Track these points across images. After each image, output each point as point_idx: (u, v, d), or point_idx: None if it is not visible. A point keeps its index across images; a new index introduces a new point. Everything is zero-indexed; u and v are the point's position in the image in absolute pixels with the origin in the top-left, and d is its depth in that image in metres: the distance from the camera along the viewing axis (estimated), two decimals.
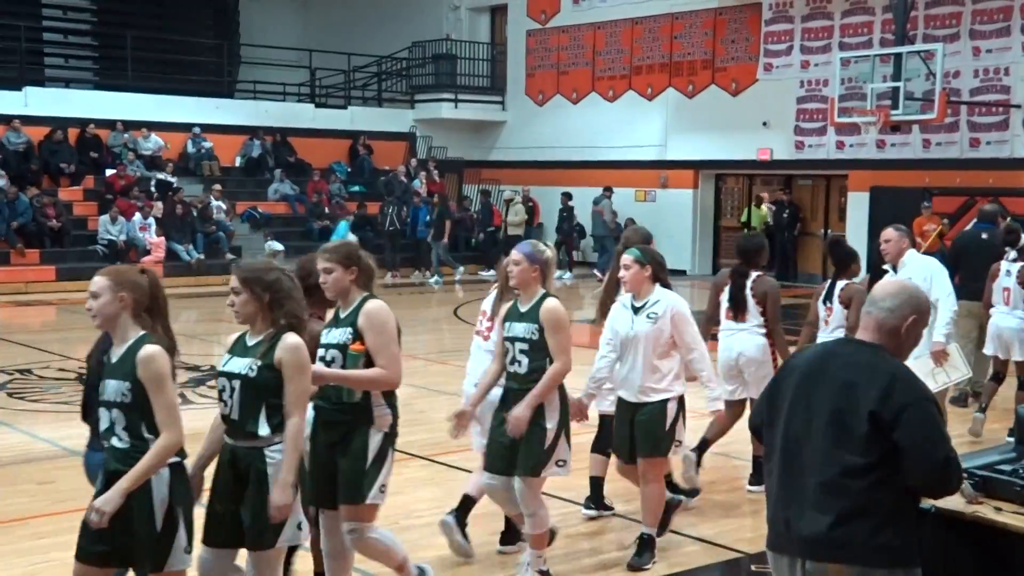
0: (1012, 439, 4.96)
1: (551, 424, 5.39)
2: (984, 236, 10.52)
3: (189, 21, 28.70)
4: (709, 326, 7.36)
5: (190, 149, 23.87)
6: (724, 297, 7.34)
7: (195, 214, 21.37)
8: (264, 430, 4.24)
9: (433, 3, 28.67)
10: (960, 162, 19.62)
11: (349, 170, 25.86)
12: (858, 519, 3.31)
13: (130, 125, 23.15)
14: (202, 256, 20.97)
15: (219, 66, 27.66)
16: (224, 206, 22.09)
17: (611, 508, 6.89)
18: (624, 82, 25.34)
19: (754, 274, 7.26)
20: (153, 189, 21.77)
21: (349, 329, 4.81)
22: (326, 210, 23.61)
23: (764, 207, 22.78)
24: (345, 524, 4.89)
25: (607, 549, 6.32)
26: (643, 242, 6.54)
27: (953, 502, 3.98)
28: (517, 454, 5.40)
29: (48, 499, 7.00)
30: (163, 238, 20.83)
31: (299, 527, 4.34)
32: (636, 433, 5.85)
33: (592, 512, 6.83)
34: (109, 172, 22.07)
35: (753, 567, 6.05)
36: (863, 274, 8.73)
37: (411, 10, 28.56)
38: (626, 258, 5.82)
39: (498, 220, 24.99)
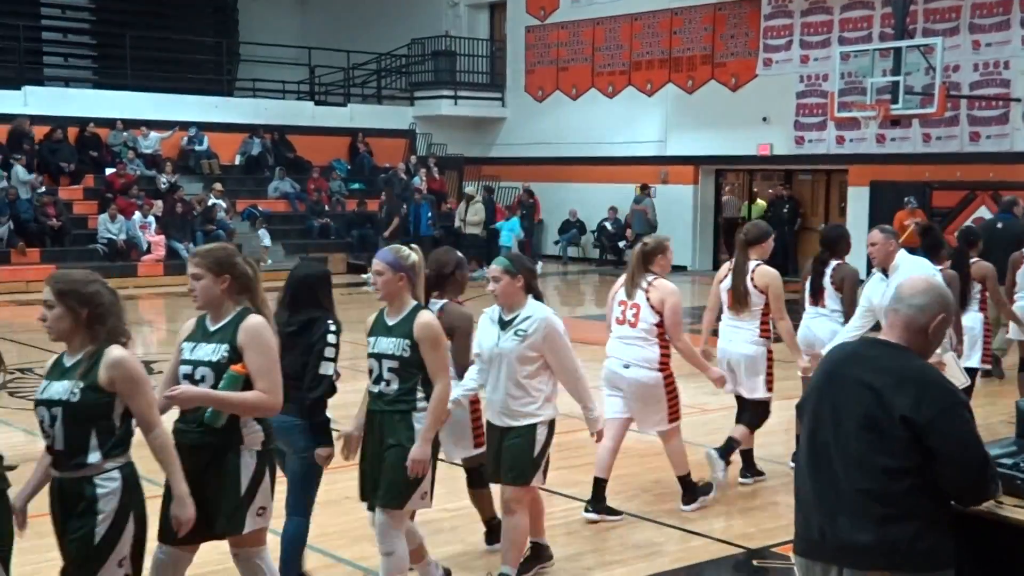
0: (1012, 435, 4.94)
1: (418, 446, 4.88)
2: (1000, 225, 10.63)
3: (188, 20, 28.69)
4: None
5: (185, 146, 23.87)
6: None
7: (196, 213, 21.37)
8: (94, 457, 3.89)
9: (432, 0, 28.64)
10: (960, 156, 19.61)
11: (349, 167, 25.86)
12: (899, 525, 3.26)
13: (129, 124, 23.16)
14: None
15: (218, 64, 27.65)
16: (224, 204, 22.09)
17: (619, 513, 6.71)
18: (624, 78, 25.31)
19: (834, 262, 7.66)
20: (163, 184, 21.76)
21: (225, 346, 4.31)
22: (326, 208, 23.62)
23: (758, 201, 22.82)
24: (231, 547, 4.54)
25: (611, 547, 6.32)
26: (762, 236, 7.14)
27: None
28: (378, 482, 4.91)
29: (49, 498, 6.98)
30: (163, 236, 20.84)
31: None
32: (502, 459, 5.34)
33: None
34: (109, 171, 22.08)
35: (755, 562, 6.05)
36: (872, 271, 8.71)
37: (410, 7, 28.54)
38: (494, 268, 5.25)
39: (500, 217, 24.97)
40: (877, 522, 3.28)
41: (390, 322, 4.95)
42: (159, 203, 21.17)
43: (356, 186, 25.11)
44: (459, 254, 5.90)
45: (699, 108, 23.71)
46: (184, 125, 23.76)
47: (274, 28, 29.57)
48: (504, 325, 5.29)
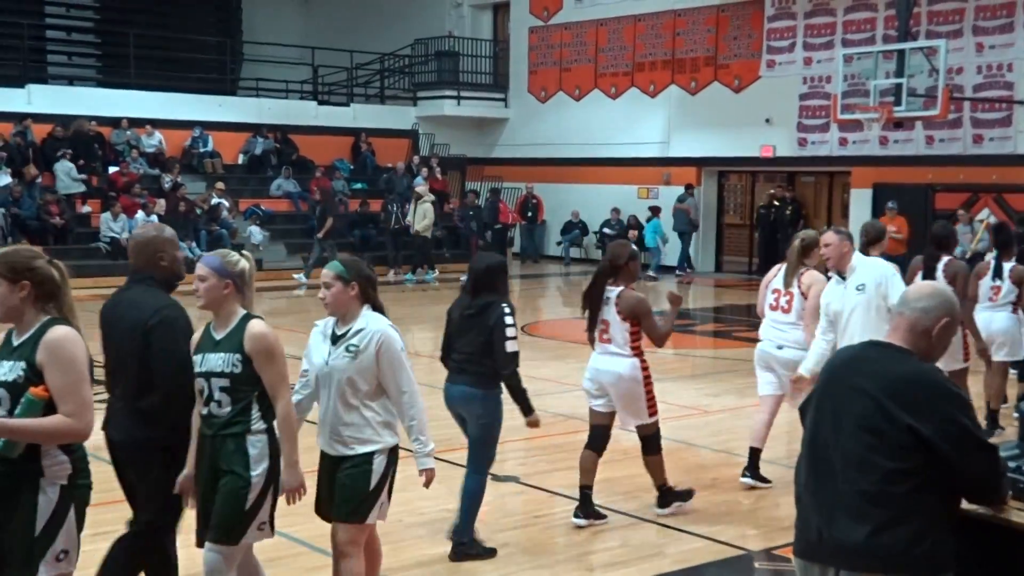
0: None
1: (257, 474, 4.36)
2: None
3: (192, 19, 28.72)
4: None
5: (189, 146, 23.90)
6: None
7: (200, 212, 21.38)
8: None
9: (435, 0, 28.67)
10: (963, 158, 19.61)
11: (352, 167, 25.88)
12: (897, 527, 3.26)
13: (133, 122, 23.18)
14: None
15: (222, 63, 27.68)
16: (226, 203, 22.11)
17: (603, 516, 6.68)
18: (627, 79, 25.33)
19: (945, 258, 8.21)
20: (167, 183, 21.79)
21: (23, 363, 3.72)
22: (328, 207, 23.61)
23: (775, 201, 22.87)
24: None
25: (612, 548, 6.32)
26: (877, 236, 7.40)
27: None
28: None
29: None
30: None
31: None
32: (335, 492, 4.74)
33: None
34: (112, 169, 22.10)
35: (756, 564, 6.06)
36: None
37: (414, 7, 28.57)
38: (325, 273, 4.69)
39: (504, 217, 25.00)
40: (874, 524, 3.28)
41: (217, 336, 4.41)
42: (162, 202, 21.18)
43: (359, 186, 25.13)
44: (633, 246, 6.82)
45: (702, 109, 23.72)
46: (189, 124, 23.77)
47: (278, 28, 29.61)
48: (336, 340, 4.69)
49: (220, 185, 22.37)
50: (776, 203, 22.57)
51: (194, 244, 21.03)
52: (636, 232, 24.35)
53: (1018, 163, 18.83)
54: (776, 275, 7.47)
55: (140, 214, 20.83)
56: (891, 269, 6.80)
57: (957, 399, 3.32)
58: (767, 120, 22.42)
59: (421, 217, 21.46)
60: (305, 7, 31.93)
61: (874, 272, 6.70)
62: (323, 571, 5.86)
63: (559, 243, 25.92)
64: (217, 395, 4.37)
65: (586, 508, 6.58)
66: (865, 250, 7.38)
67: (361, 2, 29.80)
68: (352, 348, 4.64)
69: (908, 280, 8.16)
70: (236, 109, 25.09)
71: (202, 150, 23.98)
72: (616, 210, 24.66)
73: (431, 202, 21.71)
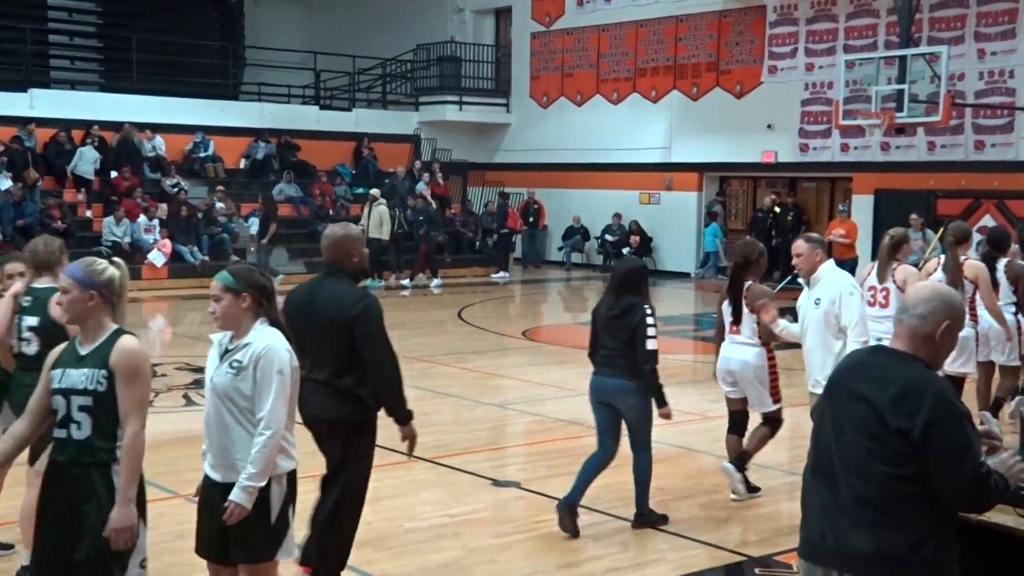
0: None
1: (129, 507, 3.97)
2: None
3: (194, 23, 28.76)
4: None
5: (191, 150, 23.91)
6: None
7: (200, 217, 21.40)
8: None
9: (437, 5, 28.71)
10: (965, 164, 19.62)
11: (354, 172, 25.90)
12: (898, 533, 3.25)
13: (135, 127, 23.19)
14: (206, 258, 20.99)
15: (224, 68, 27.71)
16: (223, 207, 22.09)
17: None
18: (628, 84, 25.35)
19: (1004, 259, 8.66)
20: (170, 187, 21.84)
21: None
22: (330, 212, 23.63)
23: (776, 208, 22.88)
24: None
25: (612, 554, 6.32)
26: (963, 237, 8.22)
27: None
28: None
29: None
30: (168, 240, 20.86)
31: None
32: (229, 530, 4.24)
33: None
34: (114, 174, 22.12)
35: (757, 570, 6.05)
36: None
37: (415, 12, 28.60)
38: (215, 284, 4.33)
39: (512, 222, 25.03)
40: (876, 529, 3.28)
41: (83, 351, 4.05)
42: (164, 206, 21.20)
43: (361, 191, 25.14)
44: (760, 244, 7.40)
45: (704, 115, 23.73)
46: (191, 129, 23.78)
47: (280, 32, 29.65)
48: (224, 355, 4.33)
49: (221, 189, 22.38)
50: (777, 209, 22.57)
51: (195, 248, 21.06)
52: (638, 238, 24.38)
53: (1020, 169, 18.83)
54: (870, 273, 8.01)
55: (142, 218, 20.86)
56: (848, 287, 6.53)
57: (951, 407, 3.29)
58: (769, 126, 22.43)
59: (377, 222, 20.93)
60: (307, 11, 31.97)
61: (832, 288, 6.50)
62: None
63: (560, 248, 25.92)
64: (76, 415, 3.97)
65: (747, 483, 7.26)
66: (954, 249, 8.29)
67: (363, 7, 29.84)
68: (235, 364, 4.24)
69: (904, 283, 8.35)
70: (238, 114, 25.11)
71: (204, 154, 23.99)
72: (618, 215, 24.67)
73: (386, 205, 21.39)
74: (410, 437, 5.29)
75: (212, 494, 4.31)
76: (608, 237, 24.89)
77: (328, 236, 5.36)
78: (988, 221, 18.36)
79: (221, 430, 4.27)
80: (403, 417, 5.24)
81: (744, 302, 7.07)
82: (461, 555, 6.16)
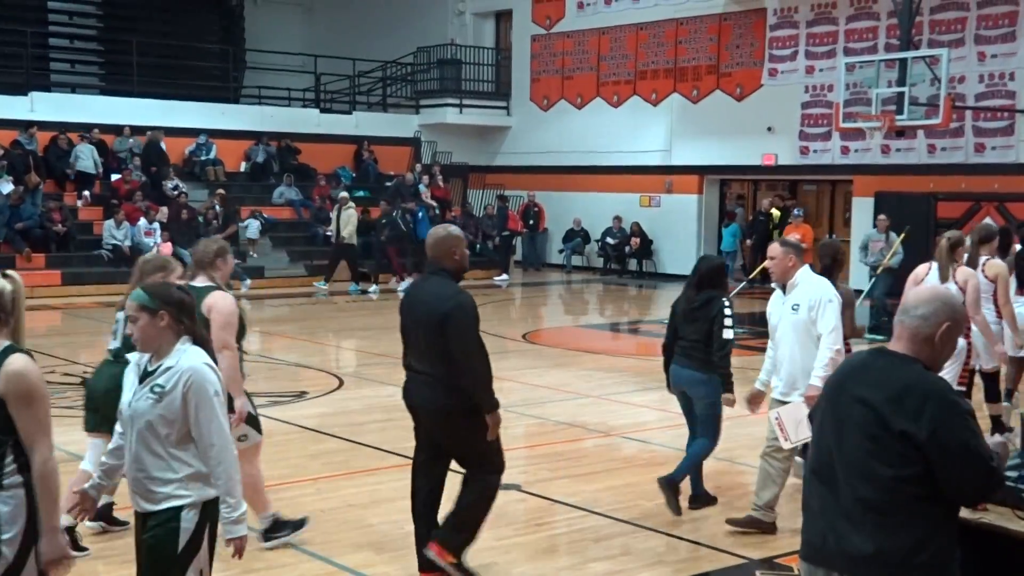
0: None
1: (8, 537, 3.65)
2: None
3: (195, 27, 28.78)
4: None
5: (192, 153, 23.93)
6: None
7: (201, 220, 21.39)
8: None
9: (438, 8, 28.73)
10: (965, 167, 19.62)
11: (354, 175, 25.91)
12: (898, 535, 3.26)
13: (136, 130, 23.21)
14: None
15: (224, 71, 27.72)
16: (221, 210, 22.07)
17: None
18: (629, 87, 25.36)
19: (984, 257, 8.79)
20: (171, 189, 21.87)
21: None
22: (330, 215, 23.63)
23: (774, 210, 22.87)
24: None
25: (614, 556, 6.31)
26: (987, 237, 8.72)
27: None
28: None
29: None
30: (169, 243, 20.85)
31: None
32: (142, 558, 4.05)
33: None
34: (114, 177, 22.14)
35: (758, 573, 6.04)
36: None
37: (416, 15, 28.62)
38: (130, 304, 4.07)
39: (513, 224, 25.03)
40: (876, 531, 3.28)
41: None
42: (164, 209, 21.21)
43: (360, 194, 25.15)
44: (839, 243, 7.87)
45: (704, 118, 23.74)
46: (191, 132, 23.79)
47: (280, 36, 29.66)
48: (144, 378, 4.04)
49: (222, 192, 22.38)
50: (775, 211, 22.55)
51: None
52: (638, 239, 24.38)
53: (1020, 172, 18.83)
54: (929, 273, 8.24)
55: (142, 221, 20.86)
56: (829, 295, 6.40)
57: (955, 406, 3.29)
58: (769, 128, 22.44)
59: (345, 224, 20.55)
60: (308, 15, 31.99)
61: (812, 294, 6.38)
62: None
63: (561, 251, 25.93)
64: None
65: None
66: (976, 250, 8.56)
67: (364, 10, 29.85)
68: (157, 389, 3.94)
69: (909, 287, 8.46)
70: (238, 117, 25.12)
71: (204, 158, 24.00)
72: (618, 218, 24.67)
73: (354, 207, 21.02)
74: (495, 424, 5.51)
75: (137, 523, 4.08)
76: (608, 240, 24.89)
77: (432, 235, 5.66)
78: (989, 224, 18.33)
79: (140, 459, 3.97)
80: (490, 407, 5.47)
81: None
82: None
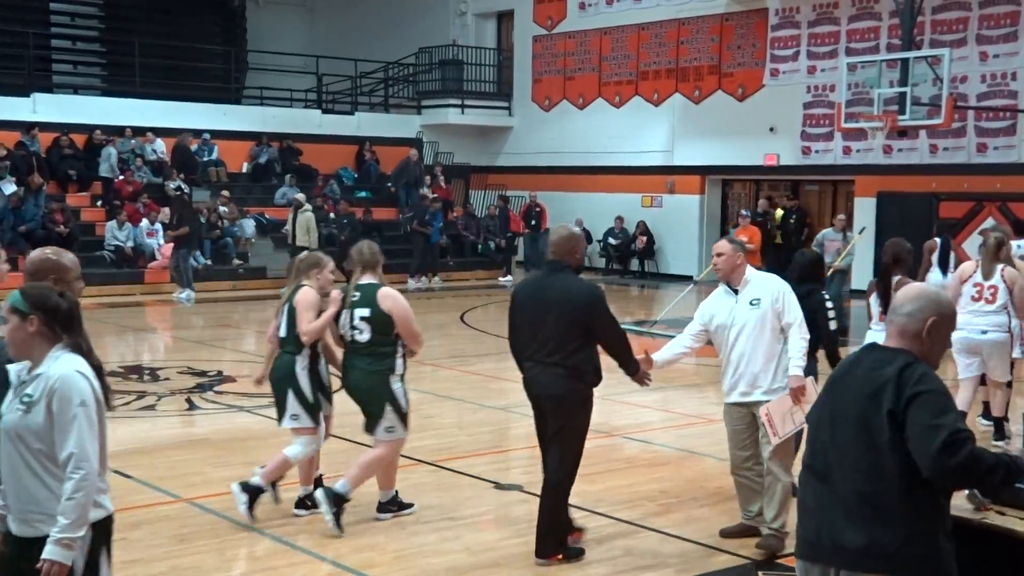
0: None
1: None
2: None
3: (196, 27, 28.80)
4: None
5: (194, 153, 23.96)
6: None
7: (203, 221, 21.40)
8: None
9: (440, 9, 28.73)
10: (967, 167, 19.60)
11: (356, 176, 25.92)
12: (891, 528, 3.28)
13: (138, 131, 23.23)
14: (209, 262, 20.99)
15: (226, 72, 27.73)
16: (225, 210, 22.10)
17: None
18: (631, 87, 25.36)
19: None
20: (173, 188, 21.91)
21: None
22: (331, 216, 23.64)
23: (776, 210, 22.87)
24: None
25: (615, 556, 6.31)
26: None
27: (961, 508, 3.97)
28: None
29: None
30: (172, 244, 20.86)
31: None
32: None
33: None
34: (117, 178, 22.14)
35: (759, 573, 6.04)
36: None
37: (418, 16, 28.62)
38: (4, 306, 3.83)
39: (515, 226, 25.05)
40: (869, 524, 3.30)
41: None
42: (166, 210, 21.20)
43: (362, 194, 25.17)
44: (908, 243, 8.30)
45: (706, 118, 23.74)
46: (194, 133, 23.81)
47: (282, 36, 29.68)
48: (18, 387, 3.77)
49: (225, 193, 22.39)
50: (779, 211, 22.55)
51: (198, 253, 21.05)
52: (644, 238, 24.39)
53: (1022, 172, 18.81)
54: (975, 272, 8.81)
55: (144, 222, 20.87)
56: (786, 286, 6.37)
57: (929, 380, 3.34)
58: (771, 129, 22.42)
59: (304, 229, 19.99)
60: (310, 16, 31.99)
61: (771, 288, 6.29)
62: None
63: None
64: None
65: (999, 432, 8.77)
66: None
67: (365, 11, 29.86)
68: (26, 400, 3.66)
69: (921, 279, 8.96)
70: (240, 118, 25.13)
71: (206, 159, 24.01)
72: (620, 218, 24.67)
73: (311, 210, 20.57)
74: (642, 378, 6.20)
75: (6, 547, 3.74)
76: (611, 240, 24.89)
77: (555, 235, 6.15)
78: (990, 224, 18.33)
79: (12, 475, 3.69)
80: (633, 370, 6.15)
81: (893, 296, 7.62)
82: (463, 558, 6.15)
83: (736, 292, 6.34)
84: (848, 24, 21.39)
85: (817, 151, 21.92)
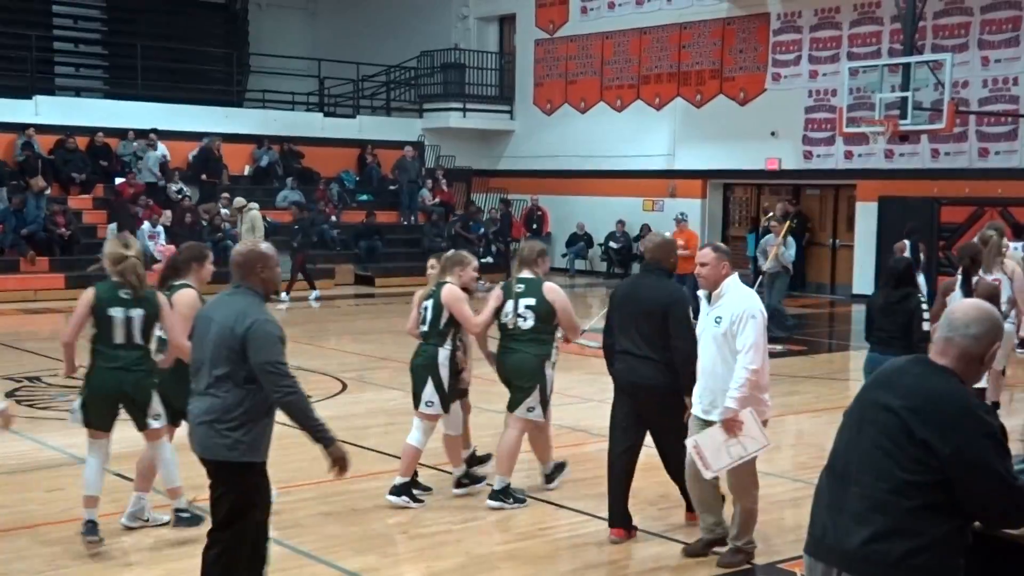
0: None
1: None
2: None
3: (199, 30, 28.82)
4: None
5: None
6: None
7: (205, 224, 21.43)
8: None
9: (442, 13, 28.74)
10: (969, 172, 19.60)
11: (357, 179, 25.93)
12: (896, 538, 3.25)
13: (140, 134, 23.24)
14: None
15: (228, 75, 27.75)
16: (227, 212, 22.10)
17: None
18: (632, 91, 25.36)
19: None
20: (176, 192, 21.95)
21: None
22: (333, 219, 23.67)
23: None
24: None
25: (616, 561, 6.30)
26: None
27: None
28: None
29: (56, 507, 7.02)
30: (172, 246, 20.87)
31: None
32: None
33: None
34: (119, 180, 22.16)
35: None
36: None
37: (420, 19, 28.63)
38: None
39: (517, 231, 25.07)
40: (873, 531, 3.28)
41: None
42: (168, 213, 21.22)
43: (364, 197, 25.17)
44: (978, 244, 9.14)
45: (707, 122, 23.74)
46: (195, 136, 23.82)
47: (284, 39, 29.69)
48: None
49: (226, 196, 22.39)
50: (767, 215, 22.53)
51: None
52: None
53: (1023, 177, 18.81)
54: (956, 287, 8.99)
55: (146, 225, 20.88)
56: (754, 309, 5.93)
57: (983, 425, 3.27)
58: (772, 133, 22.43)
59: (249, 229, 19.50)
60: (312, 19, 32.01)
61: (736, 308, 5.91)
62: None
63: (564, 255, 25.91)
64: None
65: None
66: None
67: (368, 14, 29.87)
68: None
69: (939, 300, 9.13)
70: (242, 120, 25.14)
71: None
72: (621, 222, 24.67)
73: (257, 209, 20.05)
74: (690, 404, 6.25)
75: None
76: (612, 244, 24.89)
77: (652, 240, 6.69)
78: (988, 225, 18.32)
79: None
80: (686, 391, 6.23)
81: (974, 295, 8.40)
82: (464, 562, 6.15)
83: (710, 301, 6.06)
84: (850, 29, 21.40)
85: (819, 155, 21.92)
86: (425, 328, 7.14)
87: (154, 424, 6.31)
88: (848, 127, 18.41)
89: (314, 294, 20.01)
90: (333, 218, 23.58)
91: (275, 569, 6.01)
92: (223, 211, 22.01)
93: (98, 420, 6.25)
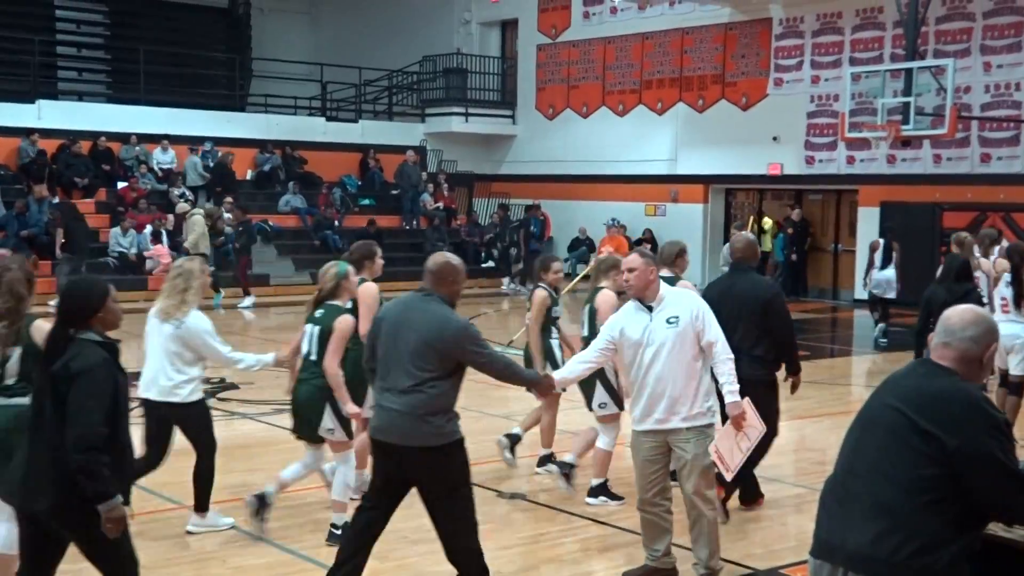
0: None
1: None
2: None
3: (201, 35, 28.87)
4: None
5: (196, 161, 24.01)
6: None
7: (205, 227, 21.40)
8: None
9: (444, 17, 28.78)
10: (971, 177, 19.60)
11: (360, 183, 25.96)
12: (902, 537, 3.27)
13: (143, 138, 23.27)
14: (213, 268, 20.96)
15: (231, 80, 27.79)
16: (228, 217, 22.08)
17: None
18: (634, 96, 25.38)
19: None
20: (178, 196, 21.96)
21: None
22: (335, 223, 23.68)
23: (766, 219, 22.85)
24: None
25: (617, 563, 6.30)
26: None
27: None
28: None
29: None
30: (174, 250, 20.88)
31: None
32: None
33: None
34: (121, 185, 22.18)
35: None
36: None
37: (422, 24, 28.67)
38: None
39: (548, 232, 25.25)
40: (880, 530, 3.29)
41: None
42: (170, 217, 21.23)
43: (366, 202, 25.20)
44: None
45: (709, 127, 23.75)
46: (198, 140, 23.85)
47: (287, 44, 29.73)
48: None
49: (229, 200, 22.40)
50: (771, 222, 22.57)
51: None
52: (650, 246, 24.35)
53: None
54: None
55: (148, 229, 20.90)
56: (704, 303, 5.90)
57: (991, 420, 3.31)
58: (774, 138, 22.43)
59: (198, 235, 19.14)
60: (314, 23, 32.05)
61: (688, 305, 5.77)
62: None
63: (566, 260, 25.87)
64: None
65: None
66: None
67: (370, 19, 29.91)
68: None
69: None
70: (245, 125, 25.17)
71: (210, 165, 24.02)
72: (623, 227, 24.65)
73: (201, 214, 19.58)
74: (795, 384, 7.18)
75: None
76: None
77: (740, 241, 7.30)
78: (988, 230, 18.32)
79: None
80: (796, 369, 7.14)
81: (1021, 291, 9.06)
82: None
83: (650, 309, 5.75)
84: (852, 34, 21.41)
85: (821, 161, 21.93)
86: (586, 334, 7.50)
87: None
88: (850, 132, 18.42)
89: (247, 300, 19.78)
90: (336, 224, 23.60)
91: (277, 573, 6.02)
92: (226, 215, 22.01)
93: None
